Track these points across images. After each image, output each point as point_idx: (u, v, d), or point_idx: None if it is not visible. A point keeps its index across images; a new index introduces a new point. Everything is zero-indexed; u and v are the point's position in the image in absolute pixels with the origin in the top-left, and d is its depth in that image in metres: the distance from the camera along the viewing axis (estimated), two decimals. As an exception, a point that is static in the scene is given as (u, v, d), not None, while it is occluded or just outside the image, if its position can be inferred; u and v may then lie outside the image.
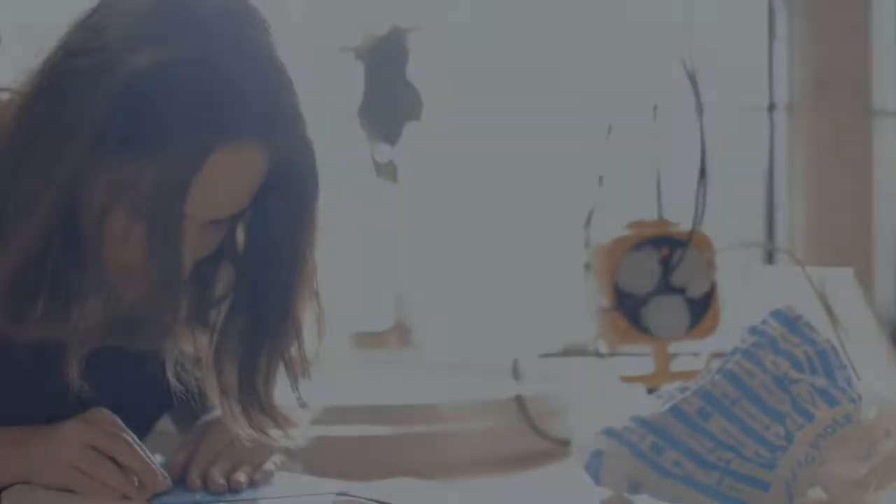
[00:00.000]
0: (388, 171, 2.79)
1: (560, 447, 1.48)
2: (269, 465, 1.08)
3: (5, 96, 1.00)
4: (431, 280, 3.02)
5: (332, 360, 2.13)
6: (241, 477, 1.03)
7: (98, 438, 0.99)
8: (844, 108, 2.97)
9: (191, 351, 1.06)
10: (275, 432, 1.06)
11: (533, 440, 1.48)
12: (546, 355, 1.58)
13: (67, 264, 0.95)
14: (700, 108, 1.41)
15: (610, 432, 1.18)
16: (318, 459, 1.29)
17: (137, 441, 1.02)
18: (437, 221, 3.08)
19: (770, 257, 2.69)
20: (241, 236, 1.05)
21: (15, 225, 0.93)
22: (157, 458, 1.11)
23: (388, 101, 2.75)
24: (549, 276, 3.10)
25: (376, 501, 1.00)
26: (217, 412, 1.13)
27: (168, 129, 0.90)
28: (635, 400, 1.67)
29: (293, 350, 1.03)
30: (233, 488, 1.02)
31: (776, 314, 1.17)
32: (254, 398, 1.04)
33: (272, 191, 0.98)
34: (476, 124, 3.06)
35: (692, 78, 1.41)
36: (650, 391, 1.88)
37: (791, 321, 1.15)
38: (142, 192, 0.91)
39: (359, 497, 1.01)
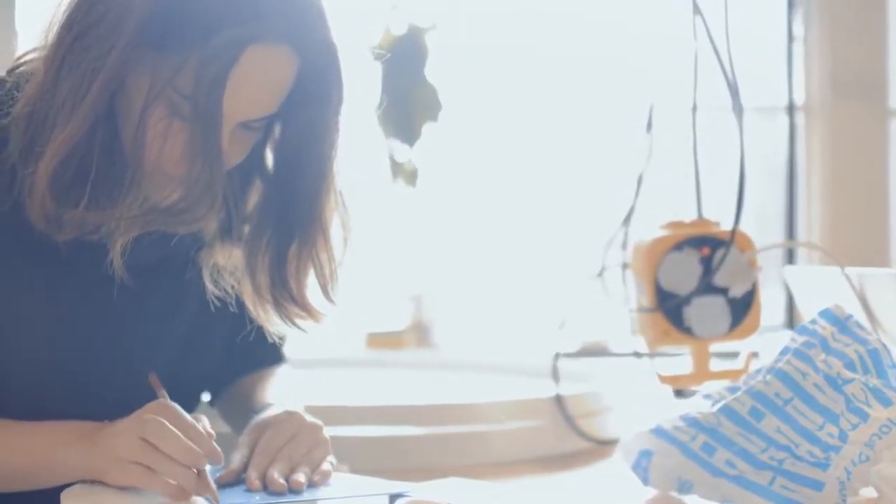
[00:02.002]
0: (406, 172, 2.79)
1: (599, 447, 1.48)
2: (325, 465, 1.08)
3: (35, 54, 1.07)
4: (449, 280, 3.03)
5: (354, 361, 2.13)
6: (301, 477, 1.04)
7: (144, 430, 0.99)
8: (861, 109, 2.98)
9: (225, 263, 1.13)
10: (304, 322, 1.13)
11: (569, 440, 1.48)
12: (565, 355, 1.58)
13: (110, 157, 1.01)
14: (740, 109, 1.41)
15: (659, 432, 1.19)
16: (360, 460, 1.29)
17: (185, 414, 1.02)
18: (456, 222, 3.08)
19: (791, 257, 2.69)
20: (269, 156, 1.12)
21: (61, 116, 0.99)
22: None
23: (406, 102, 2.75)
24: (567, 275, 3.10)
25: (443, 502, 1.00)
26: (269, 412, 1.14)
27: (204, 25, 0.97)
28: (674, 400, 1.68)
29: (321, 250, 1.09)
30: (293, 489, 1.02)
31: (825, 314, 1.17)
32: (285, 292, 1.10)
33: (300, 95, 1.04)
34: (495, 125, 3.06)
35: (731, 80, 1.41)
36: (678, 393, 1.88)
37: (841, 321, 1.15)
38: (180, 87, 0.98)
39: (423, 498, 1.01)
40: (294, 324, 1.13)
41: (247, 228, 1.13)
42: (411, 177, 2.79)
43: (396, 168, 2.77)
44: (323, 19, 1.02)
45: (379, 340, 2.72)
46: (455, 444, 1.41)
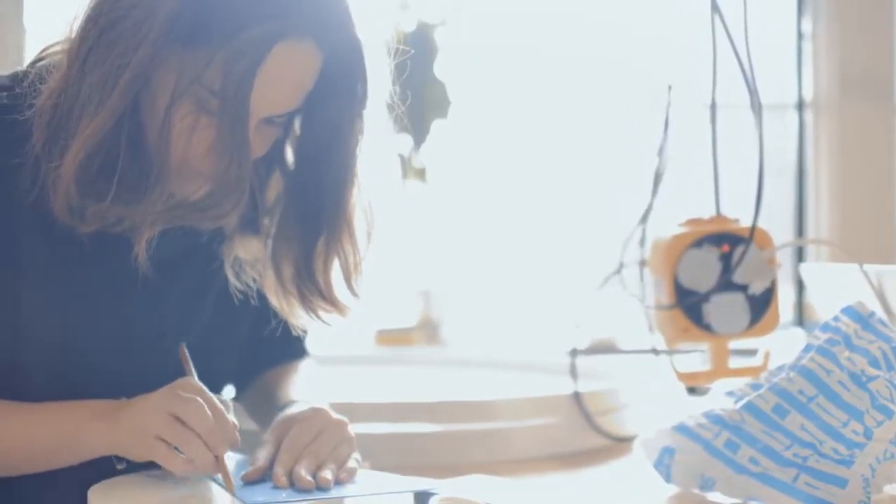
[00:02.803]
0: (415, 168, 2.79)
1: (616, 444, 1.48)
2: (351, 463, 1.09)
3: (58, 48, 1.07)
4: (457, 276, 3.03)
5: (364, 358, 2.13)
6: (328, 474, 1.04)
7: (176, 405, 1.00)
8: (868, 106, 2.98)
9: (246, 256, 1.14)
10: (329, 316, 1.14)
11: (587, 437, 1.48)
12: (575, 352, 1.58)
13: (135, 152, 1.02)
14: (759, 105, 1.41)
15: (682, 429, 1.19)
16: (378, 456, 1.29)
17: (216, 399, 1.03)
18: (463, 218, 3.08)
19: (800, 254, 2.70)
20: (288, 150, 1.14)
21: (88, 109, 0.99)
22: (238, 457, 1.12)
23: (415, 99, 2.75)
24: (575, 273, 3.10)
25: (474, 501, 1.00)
26: (294, 408, 1.14)
27: (233, 21, 0.97)
28: (687, 397, 1.68)
29: (346, 242, 1.10)
30: (320, 486, 1.02)
31: (847, 311, 1.17)
32: (312, 286, 1.11)
33: (324, 90, 1.05)
34: (506, 122, 3.06)
35: (751, 78, 1.42)
36: (691, 391, 1.88)
37: (864, 318, 1.15)
38: (207, 83, 0.99)
39: (456, 495, 1.01)
40: (319, 317, 1.14)
41: (266, 221, 1.14)
42: (420, 173, 2.79)
43: (406, 165, 2.77)
44: (347, 15, 1.03)
45: (388, 337, 2.73)
46: (473, 441, 1.41)
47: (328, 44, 1.02)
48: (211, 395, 1.03)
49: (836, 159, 3.00)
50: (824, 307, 1.52)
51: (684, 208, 1.53)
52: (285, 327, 1.18)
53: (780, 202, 3.11)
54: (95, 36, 1.00)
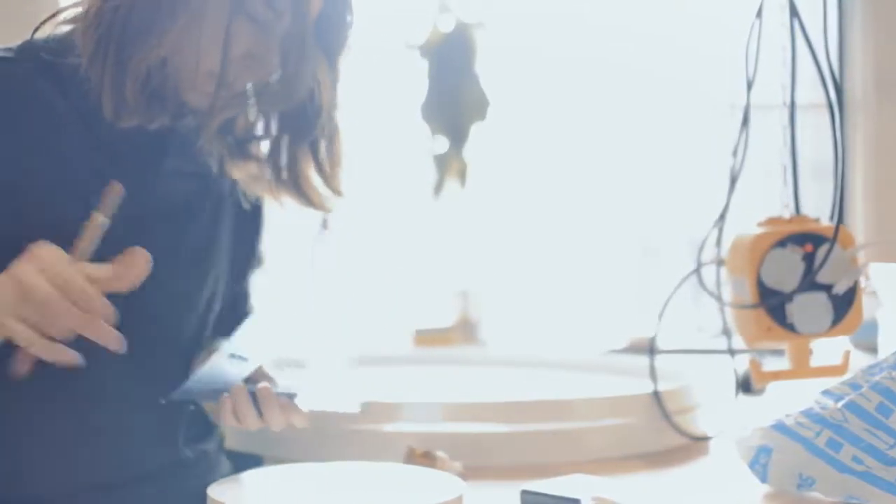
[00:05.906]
0: (456, 170, 2.78)
1: (693, 443, 1.49)
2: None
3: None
4: (494, 277, 3.03)
5: (403, 358, 2.12)
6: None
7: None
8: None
9: (241, 175, 1.23)
10: (324, 202, 1.22)
11: (664, 437, 1.48)
12: (653, 352, 1.58)
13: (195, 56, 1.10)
14: (839, 107, 1.42)
15: (780, 427, 1.19)
16: (456, 457, 1.29)
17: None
18: (501, 218, 3.08)
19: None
20: None
21: (157, 16, 1.06)
22: None
23: (454, 100, 2.74)
24: (611, 272, 3.10)
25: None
26: None
27: None
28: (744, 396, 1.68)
29: (337, 142, 1.20)
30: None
31: (945, 311, 1.17)
32: (305, 179, 1.20)
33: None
34: (540, 124, 3.07)
35: (833, 77, 1.42)
36: (745, 389, 1.88)
37: (963, 318, 1.16)
38: None
39: (604, 496, 1.01)
40: (313, 206, 1.22)
41: (254, 146, 1.22)
42: (461, 175, 2.79)
43: (442, 165, 2.76)
44: None
45: (426, 338, 2.72)
46: (551, 442, 1.41)
47: None
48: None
49: (871, 160, 3.00)
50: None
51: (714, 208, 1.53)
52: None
53: (819, 202, 3.11)
54: None
